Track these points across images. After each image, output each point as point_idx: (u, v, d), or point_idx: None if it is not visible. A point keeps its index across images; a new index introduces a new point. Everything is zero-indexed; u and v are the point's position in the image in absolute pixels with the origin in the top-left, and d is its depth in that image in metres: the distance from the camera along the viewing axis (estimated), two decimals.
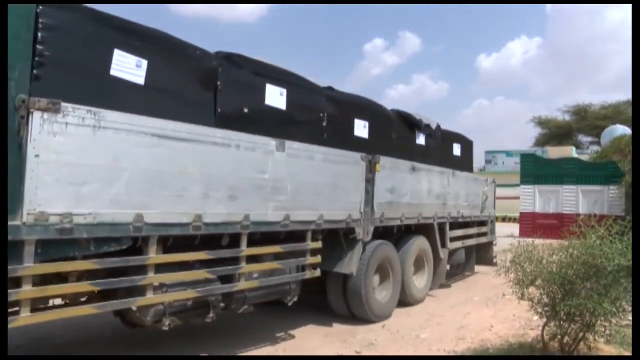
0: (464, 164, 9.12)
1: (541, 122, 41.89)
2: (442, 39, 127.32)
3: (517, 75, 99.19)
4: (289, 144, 4.91)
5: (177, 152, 3.96)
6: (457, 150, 8.94)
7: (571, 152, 23.24)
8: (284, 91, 5.14)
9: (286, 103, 5.17)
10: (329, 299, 6.27)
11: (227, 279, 4.47)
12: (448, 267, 8.50)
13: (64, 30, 3.48)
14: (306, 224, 5.17)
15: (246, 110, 4.80)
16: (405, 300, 7.05)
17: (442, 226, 7.95)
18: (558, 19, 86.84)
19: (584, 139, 40.38)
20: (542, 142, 40.25)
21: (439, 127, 8.15)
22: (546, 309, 4.51)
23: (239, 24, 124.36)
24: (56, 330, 5.24)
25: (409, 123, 7.30)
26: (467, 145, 9.43)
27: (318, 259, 5.45)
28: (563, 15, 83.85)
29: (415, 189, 7.03)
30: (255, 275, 4.75)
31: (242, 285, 4.58)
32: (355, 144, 6.08)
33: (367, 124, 6.32)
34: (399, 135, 7.13)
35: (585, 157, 22.31)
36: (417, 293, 7.29)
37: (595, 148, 30.80)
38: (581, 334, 4.45)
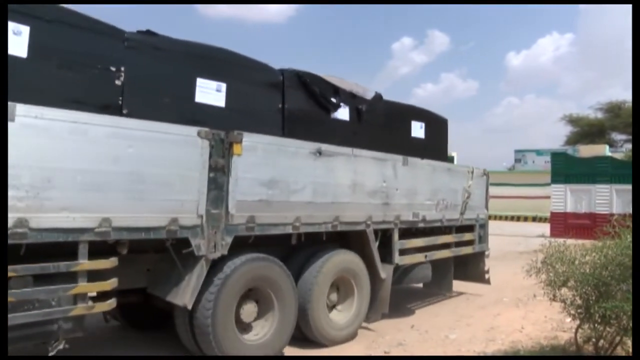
0: (432, 149, 6.81)
1: (572, 120, 39.83)
2: (471, 37, 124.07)
3: (548, 73, 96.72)
4: None
5: None
6: (417, 130, 6.66)
7: (604, 150, 21.21)
8: None
9: None
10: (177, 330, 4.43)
11: None
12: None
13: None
14: (67, 233, 3.33)
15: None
16: (314, 340, 5.07)
17: (386, 233, 5.83)
18: (590, 14, 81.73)
19: (618, 136, 37.89)
20: (573, 140, 38.18)
21: (379, 97, 5.96)
22: (579, 310, 4.39)
23: (268, 24, 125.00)
24: None
25: (310, 91, 5.20)
26: (436, 124, 7.11)
27: (108, 284, 3.59)
28: (596, 10, 77.48)
29: (323, 181, 4.96)
30: None
31: None
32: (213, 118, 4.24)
33: (222, 85, 4.37)
34: (294, 106, 5.09)
35: (619, 155, 21.62)
36: (335, 331, 5.23)
37: (630, 146, 29.26)
38: (618, 338, 4.31)
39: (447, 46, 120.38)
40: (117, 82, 3.79)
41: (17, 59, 3.36)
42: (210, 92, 4.25)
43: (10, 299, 3.09)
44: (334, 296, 5.41)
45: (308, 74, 5.13)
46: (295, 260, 5.14)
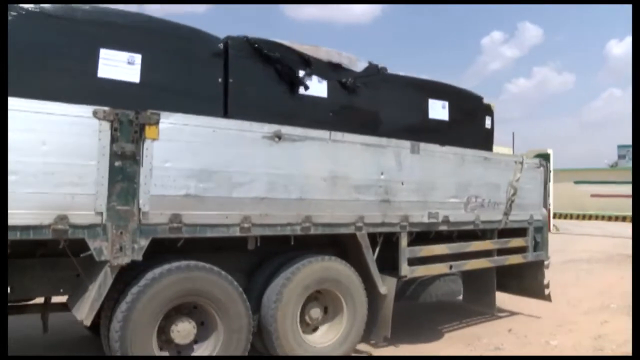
0: (461, 134, 5.47)
1: None
2: (565, 27, 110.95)
3: None
4: None
5: None
6: (438, 110, 5.34)
7: None
8: None
9: None
10: None
11: None
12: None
13: None
14: None
15: None
16: None
17: (390, 238, 4.73)
18: None
19: None
20: None
21: (374, 69, 4.82)
22: None
23: (354, 25, 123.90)
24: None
25: (268, 62, 4.15)
26: (467, 104, 5.72)
27: None
28: None
29: (285, 172, 4.03)
30: None
31: None
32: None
33: (135, 57, 3.64)
34: (243, 81, 4.13)
35: None
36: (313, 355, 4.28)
37: None
38: None
39: (540, 38, 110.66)
40: None
41: None
42: (118, 66, 3.55)
43: None
44: (315, 313, 4.44)
45: (264, 40, 4.20)
46: (263, 271, 4.29)
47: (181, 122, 3.57)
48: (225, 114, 3.96)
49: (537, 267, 6.10)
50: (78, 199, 3.22)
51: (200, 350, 3.81)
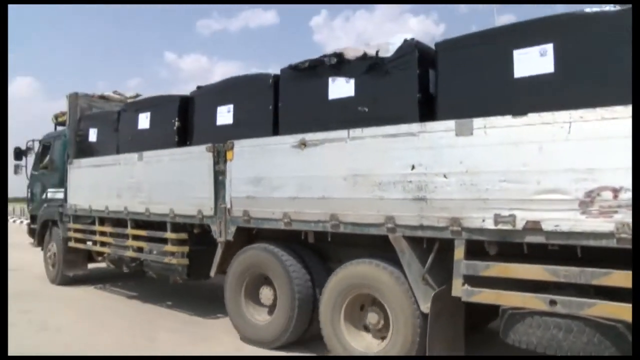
0: (581, 84, 2.98)
1: None
2: None
3: None
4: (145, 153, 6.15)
5: None
6: (534, 61, 3.23)
7: None
8: None
9: None
10: None
11: None
12: None
13: None
14: (161, 216, 5.93)
15: None
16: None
17: (445, 247, 3.76)
18: None
19: None
20: None
21: (411, 45, 3.72)
22: None
23: None
24: None
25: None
26: (589, 34, 2.95)
27: (184, 248, 5.81)
28: None
29: (308, 174, 4.42)
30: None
31: None
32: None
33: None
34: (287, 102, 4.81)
35: None
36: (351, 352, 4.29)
37: None
38: None
39: None
40: None
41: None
42: None
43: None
44: (373, 317, 4.27)
45: (303, 61, 4.64)
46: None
47: (241, 145, 4.99)
48: (276, 132, 4.88)
49: None
50: (204, 201, 5.39)
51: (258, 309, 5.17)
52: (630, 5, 3.12)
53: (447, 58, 3.97)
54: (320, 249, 4.88)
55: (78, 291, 7.75)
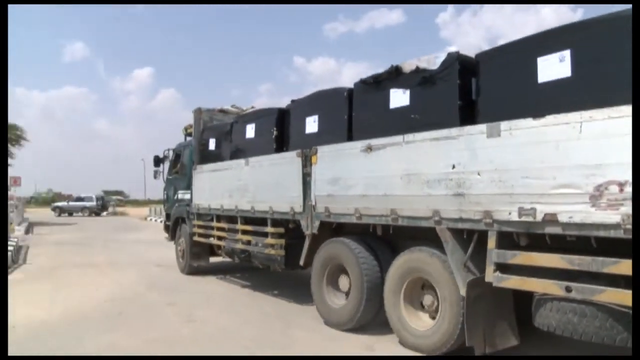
0: (598, 87, 3.18)
1: None
2: None
3: None
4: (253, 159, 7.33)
5: None
6: (553, 67, 3.54)
7: None
8: None
9: None
10: None
11: None
12: None
13: None
14: (263, 213, 7.03)
15: None
16: (401, 342, 5.15)
17: (482, 238, 4.23)
18: None
19: None
20: None
21: (452, 57, 4.22)
22: None
23: None
24: None
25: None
26: (602, 39, 3.08)
27: (281, 241, 6.81)
28: None
29: (374, 175, 5.15)
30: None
31: None
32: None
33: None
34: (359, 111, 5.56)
35: None
36: (413, 338, 4.92)
37: None
38: None
39: None
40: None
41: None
42: None
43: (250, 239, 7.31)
44: (428, 299, 4.87)
45: (370, 76, 5.40)
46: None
47: (323, 150, 5.87)
48: (350, 138, 5.64)
49: None
50: (295, 199, 6.36)
51: (336, 294, 5.96)
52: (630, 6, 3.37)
53: (485, 67, 4.46)
54: (389, 240, 5.55)
55: (211, 285, 8.83)
